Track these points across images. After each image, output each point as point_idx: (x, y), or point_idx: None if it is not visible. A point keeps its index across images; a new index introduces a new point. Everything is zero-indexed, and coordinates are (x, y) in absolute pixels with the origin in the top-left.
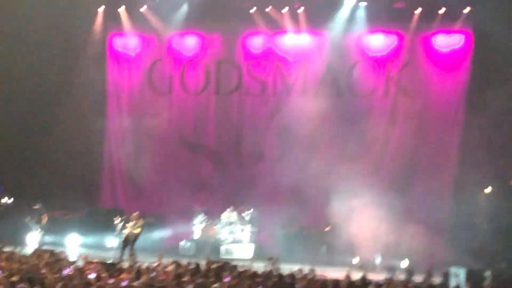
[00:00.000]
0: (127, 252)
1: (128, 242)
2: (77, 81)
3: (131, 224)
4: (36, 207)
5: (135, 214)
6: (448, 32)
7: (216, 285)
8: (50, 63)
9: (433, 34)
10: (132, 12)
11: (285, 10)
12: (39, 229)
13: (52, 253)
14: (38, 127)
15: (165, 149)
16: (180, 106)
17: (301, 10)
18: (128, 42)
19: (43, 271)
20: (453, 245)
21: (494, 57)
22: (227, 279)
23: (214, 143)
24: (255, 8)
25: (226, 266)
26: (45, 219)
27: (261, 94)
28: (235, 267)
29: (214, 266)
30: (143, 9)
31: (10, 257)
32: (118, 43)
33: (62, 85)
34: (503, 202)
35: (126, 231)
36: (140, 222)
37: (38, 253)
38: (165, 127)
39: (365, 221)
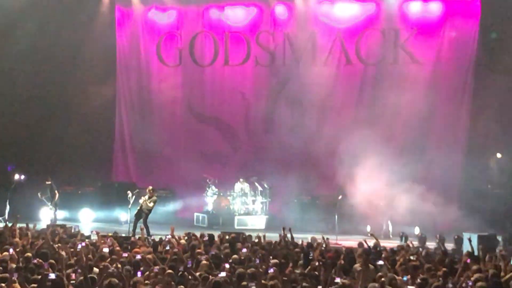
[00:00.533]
0: (140, 226)
1: (141, 216)
2: (87, 52)
3: (144, 198)
4: (48, 182)
5: (149, 188)
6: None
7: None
8: (59, 34)
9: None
10: None
11: None
12: (52, 205)
13: (65, 228)
14: (48, 101)
15: (175, 121)
16: (190, 78)
17: None
18: (137, 15)
19: (57, 246)
20: (465, 211)
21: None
22: (243, 250)
23: (224, 115)
24: None
25: (239, 237)
26: (56, 194)
27: (270, 64)
28: (249, 237)
29: (228, 237)
30: None
31: (24, 233)
32: (127, 14)
33: (72, 57)
34: None
35: (139, 205)
36: (154, 196)
37: (51, 228)
38: (175, 100)
39: (377, 189)
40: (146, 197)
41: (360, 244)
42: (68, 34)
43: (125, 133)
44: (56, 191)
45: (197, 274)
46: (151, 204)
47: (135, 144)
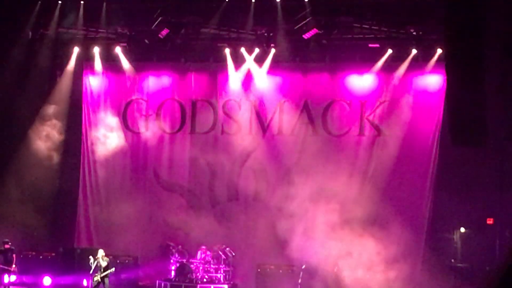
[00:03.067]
0: None
1: (100, 281)
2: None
3: (98, 262)
4: (7, 246)
5: (100, 253)
6: (422, 73)
7: None
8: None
9: (407, 74)
10: (105, 53)
11: (257, 51)
12: (11, 270)
13: None
14: (9, 164)
15: (139, 188)
16: (156, 145)
17: (273, 50)
18: (102, 82)
19: None
20: (429, 284)
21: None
22: None
23: (189, 183)
24: (228, 48)
25: None
26: (14, 259)
27: (236, 133)
28: None
29: None
30: (117, 49)
31: None
32: (92, 83)
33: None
34: (480, 242)
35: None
36: (105, 259)
37: None
38: (140, 167)
39: (343, 260)
40: (100, 261)
41: None
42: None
43: (88, 197)
44: (14, 255)
45: None
46: (105, 268)
47: (97, 210)
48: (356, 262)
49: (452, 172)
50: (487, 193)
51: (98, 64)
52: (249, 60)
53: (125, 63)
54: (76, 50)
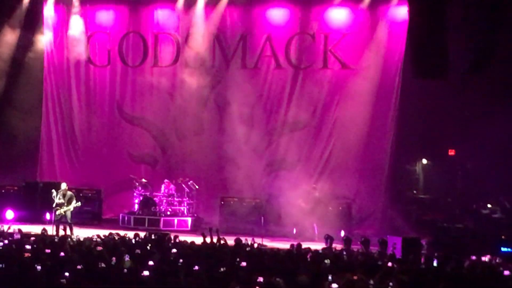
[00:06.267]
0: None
1: (63, 215)
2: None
3: (61, 196)
4: None
5: (63, 186)
6: (386, 5)
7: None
8: None
9: (369, 6)
10: None
11: None
12: None
13: None
14: None
15: (103, 122)
16: (119, 79)
17: None
18: (66, 16)
19: None
20: (391, 215)
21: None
22: (173, 250)
23: (153, 117)
24: None
25: (165, 237)
26: None
27: (200, 66)
28: (175, 238)
29: (153, 237)
30: None
31: None
32: (55, 19)
33: None
34: (440, 173)
35: (61, 205)
36: (69, 194)
37: None
38: (104, 100)
39: (303, 192)
40: (62, 195)
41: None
42: None
43: (52, 132)
44: None
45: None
46: (69, 202)
47: (61, 143)
48: (317, 195)
49: (414, 104)
50: (449, 125)
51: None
52: None
53: None
54: None
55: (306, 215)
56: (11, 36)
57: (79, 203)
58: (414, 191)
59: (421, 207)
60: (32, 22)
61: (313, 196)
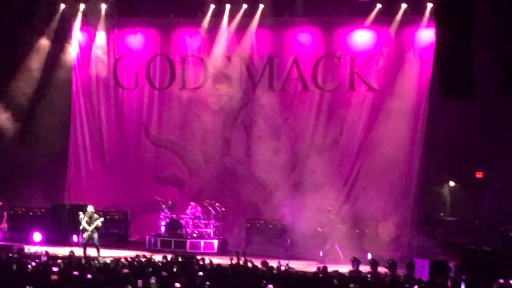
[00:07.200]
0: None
1: (91, 236)
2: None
3: (87, 218)
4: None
5: (90, 209)
6: (412, 27)
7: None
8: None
9: (396, 28)
10: (92, 10)
11: (246, 6)
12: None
13: (19, 249)
14: None
15: (131, 143)
16: (147, 101)
17: (262, 6)
18: (94, 39)
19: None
20: (417, 238)
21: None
22: (200, 274)
23: (180, 138)
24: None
25: (192, 260)
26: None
27: (227, 88)
28: (202, 260)
29: (180, 259)
30: (103, 6)
31: None
32: (82, 40)
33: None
34: (468, 195)
35: (87, 227)
36: (95, 216)
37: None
38: (130, 122)
39: (330, 215)
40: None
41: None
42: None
43: (80, 153)
44: (5, 213)
45: None
46: (95, 224)
47: (89, 164)
48: (345, 217)
49: (442, 126)
50: (476, 147)
51: (85, 21)
52: (238, 16)
53: (112, 19)
54: (62, 7)
55: (327, 238)
56: (44, 47)
57: (99, 221)
58: (441, 213)
59: (448, 230)
60: (62, 37)
61: (328, 219)
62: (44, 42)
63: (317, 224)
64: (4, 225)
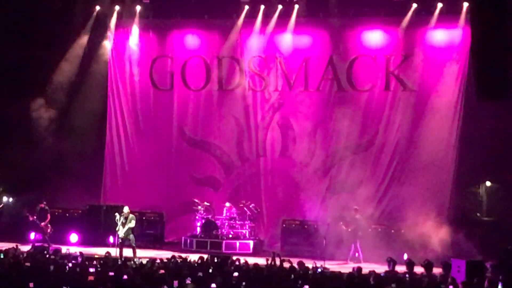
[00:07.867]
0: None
1: (127, 237)
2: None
3: (123, 219)
4: (42, 205)
5: (126, 210)
6: (447, 26)
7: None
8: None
9: (432, 28)
10: (128, 11)
11: (281, 7)
12: (43, 227)
13: (55, 250)
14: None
15: (167, 145)
16: (182, 102)
17: (297, 6)
18: (129, 40)
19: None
20: (453, 238)
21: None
22: (235, 274)
23: (216, 139)
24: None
25: (227, 260)
26: (48, 217)
27: (263, 89)
28: (237, 261)
29: (215, 260)
30: (138, 7)
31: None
32: (118, 41)
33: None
34: (504, 196)
35: (122, 228)
36: (131, 217)
37: (40, 249)
38: (166, 123)
39: (356, 214)
40: (125, 218)
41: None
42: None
43: (115, 154)
44: (48, 214)
45: None
46: (130, 225)
47: (125, 166)
48: (381, 217)
49: (478, 126)
50: None
51: (120, 23)
52: (274, 17)
53: (147, 21)
54: (97, 8)
55: (351, 238)
56: (81, 47)
57: (132, 223)
58: (478, 214)
59: (484, 230)
60: (98, 38)
61: (354, 218)
62: (82, 41)
63: (344, 224)
64: (49, 227)
